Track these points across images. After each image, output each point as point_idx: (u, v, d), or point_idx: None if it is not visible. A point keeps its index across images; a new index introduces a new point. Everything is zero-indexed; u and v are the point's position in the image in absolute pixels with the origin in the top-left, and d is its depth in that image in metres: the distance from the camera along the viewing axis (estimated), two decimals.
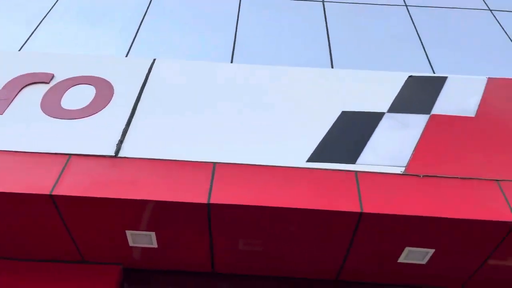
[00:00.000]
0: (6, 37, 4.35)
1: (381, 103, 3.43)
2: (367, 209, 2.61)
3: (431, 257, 2.92)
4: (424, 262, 2.97)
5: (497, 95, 3.64)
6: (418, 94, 3.55)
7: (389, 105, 3.40)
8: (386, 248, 2.89)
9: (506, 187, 2.80)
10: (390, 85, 3.61)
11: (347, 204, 2.65)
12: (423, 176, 2.83)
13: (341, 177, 2.82)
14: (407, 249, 2.86)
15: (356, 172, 2.85)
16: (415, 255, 2.92)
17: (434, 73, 4.07)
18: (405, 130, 3.18)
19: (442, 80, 3.70)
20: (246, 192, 2.70)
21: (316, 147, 3.01)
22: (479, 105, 3.44)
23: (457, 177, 2.82)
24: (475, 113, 3.37)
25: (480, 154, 3.09)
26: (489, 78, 3.75)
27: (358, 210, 2.61)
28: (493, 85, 3.71)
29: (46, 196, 2.56)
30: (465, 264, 3.02)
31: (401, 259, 2.96)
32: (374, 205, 2.63)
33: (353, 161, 2.93)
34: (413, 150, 3.03)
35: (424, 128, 3.21)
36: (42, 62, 3.67)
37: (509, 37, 4.74)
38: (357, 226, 2.69)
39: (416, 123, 3.25)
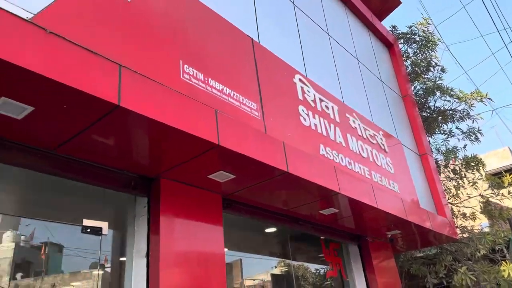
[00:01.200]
0: None
1: None
2: None
3: (29, 115, 2.80)
4: (19, 117, 2.82)
5: None
6: None
7: None
8: None
9: (125, 73, 2.99)
10: None
11: None
12: (49, 32, 2.61)
13: None
14: (3, 98, 2.61)
15: None
16: (11, 108, 2.72)
17: None
18: None
19: None
20: None
21: None
22: None
23: (83, 47, 2.77)
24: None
25: (122, 37, 3.18)
26: None
27: None
28: None
29: None
30: (63, 129, 3.09)
31: None
32: None
33: None
34: (52, 3, 2.74)
35: None
36: None
37: None
38: None
39: None
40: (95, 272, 5.01)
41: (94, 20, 3.02)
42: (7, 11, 2.44)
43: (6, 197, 4.47)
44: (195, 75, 3.72)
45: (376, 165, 6.52)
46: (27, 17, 2.55)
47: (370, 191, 5.69)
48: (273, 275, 7.10)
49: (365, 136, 6.61)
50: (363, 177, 5.96)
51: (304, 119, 5.16)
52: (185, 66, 3.65)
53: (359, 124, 6.58)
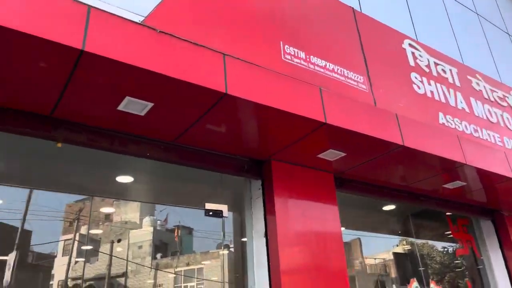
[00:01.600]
0: None
1: None
2: (89, 48, 2.44)
3: (150, 110, 3.07)
4: (142, 114, 3.11)
5: None
6: None
7: None
8: (106, 93, 2.85)
9: (229, 61, 3.09)
10: None
11: (69, 37, 2.40)
12: (159, 31, 2.81)
13: (71, 8, 2.51)
14: (127, 98, 2.91)
15: (89, 6, 2.57)
16: (135, 106, 3.02)
17: None
18: None
19: None
20: None
21: None
22: None
23: (190, 41, 2.93)
24: None
25: (223, 26, 3.28)
26: None
27: (79, 46, 2.42)
28: None
29: None
30: (180, 121, 3.33)
31: (120, 107, 3.01)
32: (97, 46, 2.48)
33: None
34: (159, 4, 2.94)
35: None
36: None
37: None
38: (77, 63, 2.52)
39: None
40: (222, 252, 5.38)
41: (196, 13, 3.17)
42: (122, 17, 2.69)
43: (142, 187, 5.03)
44: (296, 54, 3.68)
45: (509, 130, 5.75)
46: (139, 21, 2.78)
47: (503, 159, 5.05)
48: (395, 254, 6.81)
49: (492, 99, 5.86)
50: (494, 145, 5.31)
51: (418, 87, 4.77)
52: (286, 46, 3.63)
53: (484, 86, 5.85)
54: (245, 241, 4.20)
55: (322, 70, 3.83)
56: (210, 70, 2.94)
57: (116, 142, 3.40)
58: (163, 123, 3.33)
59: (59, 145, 3.12)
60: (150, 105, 3.01)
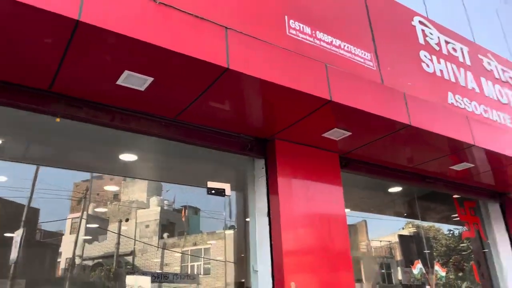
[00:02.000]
0: None
1: None
2: (85, 18, 2.37)
3: (150, 85, 3.01)
4: (142, 88, 3.05)
5: None
6: None
7: None
8: (104, 66, 2.79)
9: (232, 35, 3.00)
10: None
11: (64, 7, 2.33)
12: (159, 2, 2.72)
13: None
14: (126, 72, 2.84)
15: None
16: (134, 80, 2.95)
17: None
18: None
19: None
20: None
21: None
22: None
23: (191, 14, 2.84)
24: None
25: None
26: None
27: (75, 17, 2.35)
28: None
29: None
30: (181, 97, 3.26)
31: (120, 81, 2.95)
32: (94, 17, 2.40)
33: None
34: None
35: None
36: None
37: None
38: (73, 34, 2.45)
39: None
40: (227, 231, 5.38)
41: None
42: None
43: (146, 165, 5.00)
44: (301, 29, 3.57)
45: None
46: None
47: None
48: (401, 236, 6.78)
49: (504, 79, 5.70)
50: (505, 126, 5.18)
51: (427, 65, 4.64)
52: (291, 21, 3.52)
53: (496, 66, 5.69)
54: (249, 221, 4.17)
55: (328, 46, 3.71)
56: (211, 44, 2.85)
57: (117, 118, 3.35)
58: (164, 99, 3.27)
59: (58, 119, 3.08)
60: (150, 79, 2.94)
